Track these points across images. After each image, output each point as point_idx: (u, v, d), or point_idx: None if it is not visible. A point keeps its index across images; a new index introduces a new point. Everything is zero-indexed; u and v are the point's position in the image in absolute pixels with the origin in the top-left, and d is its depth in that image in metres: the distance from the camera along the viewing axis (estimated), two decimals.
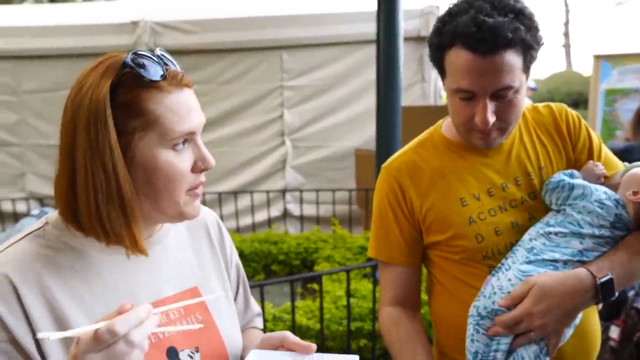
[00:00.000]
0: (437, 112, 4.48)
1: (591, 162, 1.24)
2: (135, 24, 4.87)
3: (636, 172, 1.17)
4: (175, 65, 0.88)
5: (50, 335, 0.62)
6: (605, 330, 2.22)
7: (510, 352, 1.10)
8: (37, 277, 0.79)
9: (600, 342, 1.27)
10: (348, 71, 4.95)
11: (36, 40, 5.03)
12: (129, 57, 0.81)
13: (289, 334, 0.92)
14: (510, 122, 1.13)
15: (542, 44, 1.10)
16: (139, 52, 0.82)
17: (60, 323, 0.79)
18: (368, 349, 2.97)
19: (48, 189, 5.20)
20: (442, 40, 1.10)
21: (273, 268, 4.35)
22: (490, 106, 1.08)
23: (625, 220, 1.14)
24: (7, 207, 5.14)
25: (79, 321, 0.80)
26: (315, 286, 3.37)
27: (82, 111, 0.78)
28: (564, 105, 1.29)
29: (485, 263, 1.19)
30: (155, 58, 0.84)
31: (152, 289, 0.90)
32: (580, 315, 1.12)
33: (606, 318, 2.14)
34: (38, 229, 0.85)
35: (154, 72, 0.82)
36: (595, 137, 1.27)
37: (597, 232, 1.12)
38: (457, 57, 1.07)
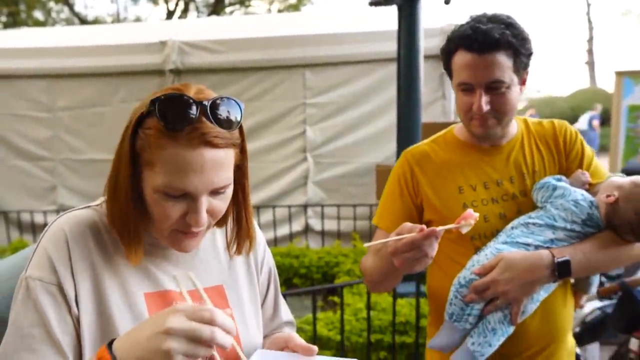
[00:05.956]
0: None
1: (579, 170, 1.40)
2: (163, 43, 5.06)
3: (612, 180, 1.34)
4: (228, 120, 0.84)
5: None
6: (625, 343, 2.22)
7: (480, 317, 1.30)
8: (87, 240, 0.90)
9: (569, 332, 1.42)
10: (369, 89, 5.04)
11: (69, 60, 5.25)
12: (161, 97, 0.83)
13: (294, 336, 0.96)
14: (504, 112, 1.34)
15: (532, 53, 1.34)
16: (174, 95, 0.83)
17: (96, 284, 0.89)
18: None
19: (77, 202, 5.37)
20: (449, 46, 1.36)
21: (294, 281, 4.40)
22: (485, 97, 1.31)
23: (596, 220, 1.31)
24: (39, 219, 5.33)
25: (111, 286, 0.89)
26: (336, 299, 3.42)
27: (125, 125, 0.89)
28: (566, 122, 1.48)
29: (473, 244, 1.39)
30: (190, 105, 0.82)
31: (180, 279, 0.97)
32: (544, 294, 1.31)
33: (625, 330, 2.15)
34: (98, 204, 0.96)
35: (173, 120, 0.82)
36: (589, 151, 1.45)
37: (569, 226, 1.31)
38: (460, 58, 1.33)
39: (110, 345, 0.77)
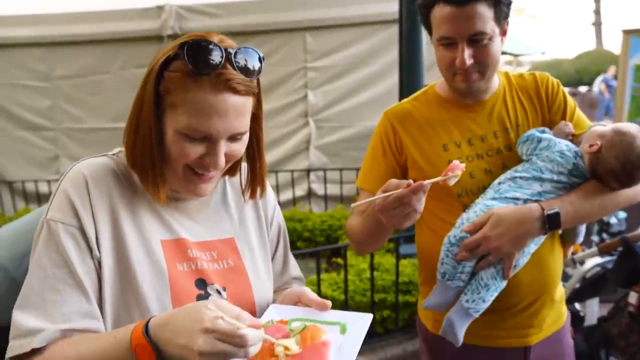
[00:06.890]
0: None
1: (563, 121, 1.40)
2: (160, 8, 4.97)
3: (595, 129, 1.33)
4: (250, 69, 0.89)
5: None
6: (624, 297, 2.25)
7: (473, 274, 1.30)
8: (106, 184, 0.91)
9: (558, 281, 1.44)
10: (371, 52, 4.96)
11: (65, 27, 5.18)
12: (189, 41, 0.86)
13: (307, 290, 0.97)
14: (487, 64, 1.31)
15: (511, 2, 1.31)
16: (202, 41, 0.85)
17: (115, 228, 0.90)
18: (391, 320, 3.06)
19: None
20: (427, 0, 1.32)
21: (298, 245, 4.45)
22: (468, 50, 1.27)
23: (581, 169, 1.31)
24: (43, 188, 5.37)
25: (130, 231, 0.91)
26: (340, 261, 3.46)
27: (148, 68, 0.89)
28: (547, 74, 1.46)
29: (460, 201, 1.38)
30: (217, 51, 0.85)
31: (192, 230, 0.99)
32: (534, 247, 1.32)
33: (625, 284, 2.17)
34: (113, 154, 0.97)
35: (201, 64, 0.84)
36: (571, 102, 1.44)
37: (555, 177, 1.30)
38: (439, 11, 1.29)
39: (146, 330, 0.78)
